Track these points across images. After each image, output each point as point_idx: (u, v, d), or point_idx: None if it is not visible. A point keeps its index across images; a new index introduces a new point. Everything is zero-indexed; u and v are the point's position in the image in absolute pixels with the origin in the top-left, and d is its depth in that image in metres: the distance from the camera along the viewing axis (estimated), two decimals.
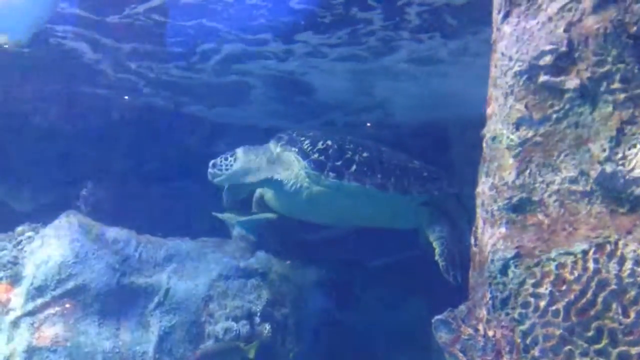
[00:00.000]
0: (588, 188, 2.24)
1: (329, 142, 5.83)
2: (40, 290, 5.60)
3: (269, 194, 6.25)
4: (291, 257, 6.73)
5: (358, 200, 5.75)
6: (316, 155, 5.69)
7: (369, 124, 8.53)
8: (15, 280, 5.65)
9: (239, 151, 6.24)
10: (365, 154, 5.77)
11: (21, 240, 5.86)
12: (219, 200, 6.87)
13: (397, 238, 7.22)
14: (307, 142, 5.86)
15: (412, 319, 7.00)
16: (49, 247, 5.79)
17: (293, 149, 5.83)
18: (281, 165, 5.91)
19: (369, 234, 7.36)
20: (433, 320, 2.60)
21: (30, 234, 5.93)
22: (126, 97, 7.97)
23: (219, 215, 6.72)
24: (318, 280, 6.72)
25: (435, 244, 5.51)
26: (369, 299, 6.93)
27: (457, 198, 5.99)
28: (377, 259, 7.60)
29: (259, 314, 6.19)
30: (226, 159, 6.35)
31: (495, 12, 2.62)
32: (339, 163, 5.64)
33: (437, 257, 5.42)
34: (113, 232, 6.20)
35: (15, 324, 5.50)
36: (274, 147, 6.06)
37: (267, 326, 6.17)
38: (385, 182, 5.60)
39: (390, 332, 6.86)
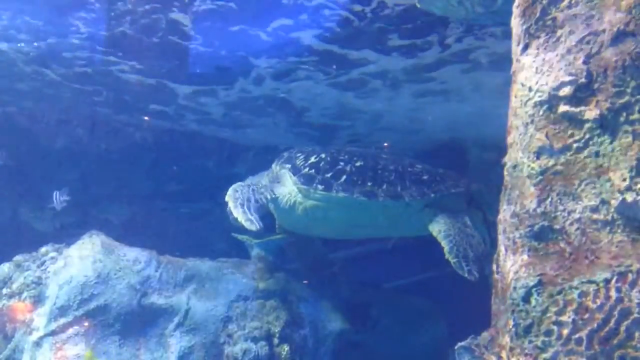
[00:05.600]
0: (609, 217, 2.27)
1: (323, 155, 5.82)
2: (62, 310, 5.69)
3: (276, 212, 6.30)
4: (310, 278, 6.75)
5: (353, 210, 5.68)
6: (306, 170, 5.70)
7: (386, 144, 8.59)
8: (38, 300, 5.75)
9: (249, 179, 6.34)
10: (359, 163, 5.70)
11: (45, 261, 5.97)
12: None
13: (417, 259, 7.23)
14: (301, 158, 5.88)
15: (430, 342, 6.98)
16: (72, 267, 5.88)
17: (287, 165, 5.87)
18: (279, 183, 5.95)
19: (389, 254, 7.37)
20: (456, 347, 2.61)
21: (53, 254, 6.03)
22: (146, 118, 8.11)
23: (238, 237, 6.78)
24: (337, 301, 6.73)
25: (443, 243, 5.28)
26: (387, 321, 6.91)
27: (467, 197, 5.86)
28: (397, 280, 7.59)
29: (277, 335, 6.20)
30: None
31: (514, 44, 2.68)
32: (328, 175, 5.61)
33: (447, 256, 5.16)
34: (134, 253, 6.28)
35: (37, 343, 5.58)
36: (275, 166, 6.14)
37: (286, 347, 6.18)
38: (375, 189, 5.50)
39: (408, 355, 6.83)
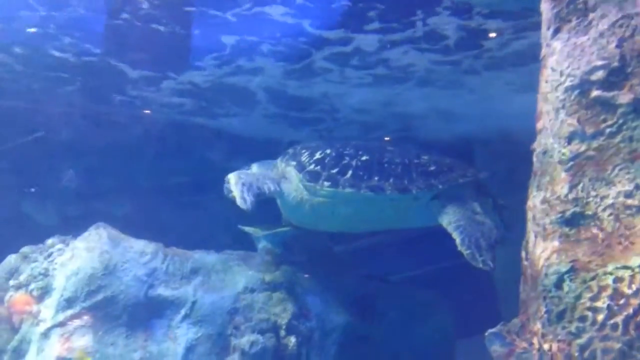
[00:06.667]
0: None
1: (328, 151, 5.78)
2: (70, 302, 5.64)
3: (283, 208, 6.28)
4: (317, 270, 6.73)
5: (361, 205, 5.63)
6: (312, 167, 5.66)
7: (387, 138, 8.59)
8: (45, 291, 5.70)
9: (255, 166, 6.30)
10: (364, 157, 5.65)
11: (52, 253, 5.91)
12: (241, 213, 6.91)
13: (423, 251, 7.22)
14: (306, 154, 5.84)
15: (436, 333, 6.98)
16: (79, 259, 5.83)
17: (292, 162, 5.84)
18: (285, 180, 5.91)
19: (396, 246, 7.36)
20: (486, 334, 2.60)
21: (60, 246, 5.98)
22: (147, 111, 8.06)
23: (245, 229, 6.75)
24: (343, 294, 6.71)
25: (454, 235, 5.13)
26: (393, 313, 6.90)
27: (476, 186, 5.75)
28: (402, 271, 7.59)
29: (284, 327, 6.18)
30: None
31: (544, 28, 2.65)
32: (334, 171, 5.57)
33: (459, 247, 5.02)
34: (141, 245, 6.24)
35: (45, 335, 5.54)
36: (280, 163, 6.09)
37: (293, 339, 6.16)
38: (382, 183, 5.46)
39: (414, 347, 6.83)
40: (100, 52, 6.05)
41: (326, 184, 5.53)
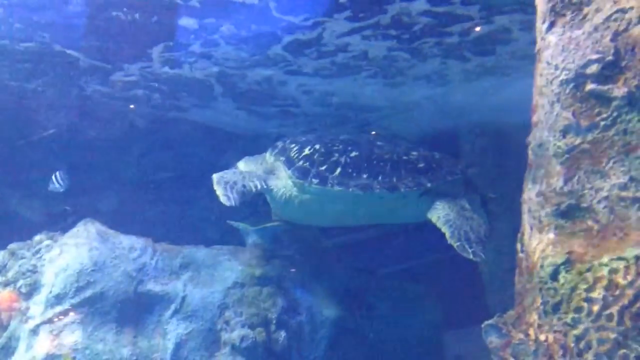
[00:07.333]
0: (638, 194, 2.28)
1: (317, 146, 5.76)
2: (59, 298, 5.61)
3: (272, 203, 6.26)
4: (306, 264, 6.74)
5: (349, 202, 5.64)
6: (301, 163, 5.64)
7: (373, 132, 8.59)
8: (34, 288, 5.65)
9: (241, 163, 6.28)
10: (353, 154, 5.65)
11: (40, 249, 5.86)
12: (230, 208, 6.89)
13: (412, 245, 7.25)
14: (295, 149, 5.82)
15: (425, 327, 7.03)
16: (68, 255, 5.79)
17: (281, 157, 5.82)
18: (274, 175, 5.90)
19: (385, 240, 7.39)
20: (483, 325, 2.62)
21: (48, 242, 5.92)
22: (132, 106, 7.97)
23: (235, 224, 6.73)
24: (332, 287, 6.73)
25: (443, 229, 5.23)
26: (383, 306, 6.94)
27: (464, 182, 5.81)
28: (392, 265, 7.62)
29: (274, 321, 6.18)
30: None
31: (539, 22, 2.67)
32: (323, 168, 5.56)
33: (449, 240, 5.10)
34: (130, 240, 6.21)
35: (34, 331, 5.50)
36: (269, 157, 6.06)
37: (283, 333, 6.16)
38: (371, 182, 5.46)
39: (404, 340, 6.87)
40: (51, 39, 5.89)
41: (315, 181, 5.51)
